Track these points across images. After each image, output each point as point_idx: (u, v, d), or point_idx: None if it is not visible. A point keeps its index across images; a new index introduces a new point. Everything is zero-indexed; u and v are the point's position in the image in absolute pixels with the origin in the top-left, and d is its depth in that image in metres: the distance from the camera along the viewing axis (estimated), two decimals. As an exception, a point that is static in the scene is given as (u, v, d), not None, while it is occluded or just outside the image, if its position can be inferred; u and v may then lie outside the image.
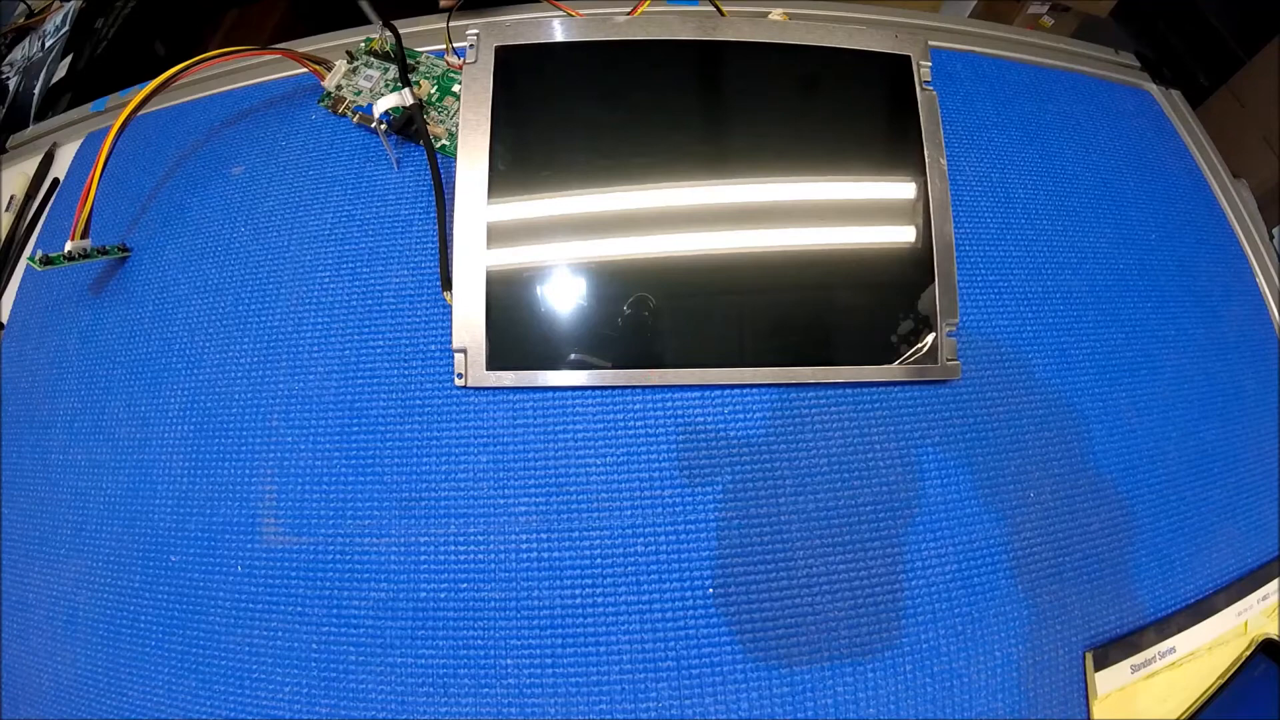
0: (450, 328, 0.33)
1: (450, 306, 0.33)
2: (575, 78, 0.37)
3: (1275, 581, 0.36)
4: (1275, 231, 0.52)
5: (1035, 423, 0.36)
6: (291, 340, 0.35)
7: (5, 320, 0.39)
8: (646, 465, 0.32)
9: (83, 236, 0.36)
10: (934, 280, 0.35)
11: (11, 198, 0.43)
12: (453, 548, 0.31)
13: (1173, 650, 0.33)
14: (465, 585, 0.31)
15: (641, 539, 0.31)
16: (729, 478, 0.32)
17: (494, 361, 0.33)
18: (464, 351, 0.33)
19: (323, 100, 0.41)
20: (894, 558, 0.32)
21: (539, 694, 0.29)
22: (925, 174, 0.36)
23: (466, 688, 0.29)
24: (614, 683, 0.30)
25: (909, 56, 0.37)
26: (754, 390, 0.34)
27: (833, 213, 0.36)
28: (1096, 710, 0.31)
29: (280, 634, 0.31)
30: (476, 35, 0.36)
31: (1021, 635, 0.32)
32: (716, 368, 0.33)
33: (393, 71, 0.41)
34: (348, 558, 0.31)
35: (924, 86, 0.37)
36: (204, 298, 0.36)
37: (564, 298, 0.34)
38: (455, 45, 0.41)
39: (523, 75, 0.36)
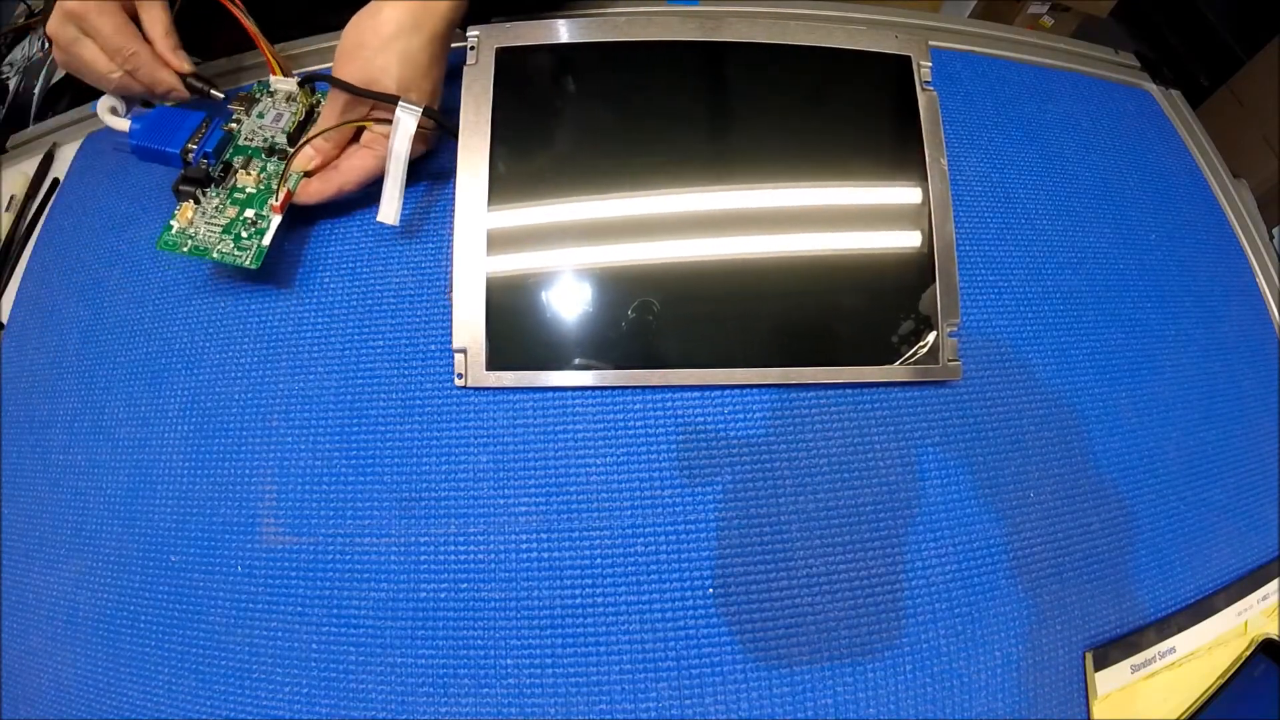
0: (450, 328, 0.33)
1: (451, 306, 0.33)
2: (576, 80, 0.37)
3: (1275, 581, 0.36)
4: (1275, 231, 0.52)
5: (1035, 423, 0.36)
6: (291, 340, 0.35)
7: (5, 320, 0.39)
8: (646, 465, 0.32)
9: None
10: (935, 280, 0.35)
11: (11, 198, 0.43)
12: (453, 548, 0.31)
13: (1173, 650, 0.33)
14: (465, 585, 0.31)
15: (641, 539, 0.31)
16: (729, 478, 0.32)
17: (494, 362, 0.33)
18: (464, 351, 0.33)
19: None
20: (894, 558, 0.32)
21: (539, 694, 0.29)
22: (926, 174, 0.36)
23: (466, 688, 0.29)
24: (614, 683, 0.30)
25: (909, 57, 0.37)
26: (754, 391, 0.34)
27: (833, 213, 0.36)
28: (1096, 710, 0.31)
29: (280, 634, 0.30)
30: (477, 37, 0.36)
31: (1021, 635, 0.32)
32: (717, 368, 0.33)
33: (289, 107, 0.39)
34: (348, 558, 0.31)
35: (924, 87, 0.37)
36: (204, 297, 0.36)
37: (563, 299, 0.34)
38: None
39: (523, 77, 0.36)
